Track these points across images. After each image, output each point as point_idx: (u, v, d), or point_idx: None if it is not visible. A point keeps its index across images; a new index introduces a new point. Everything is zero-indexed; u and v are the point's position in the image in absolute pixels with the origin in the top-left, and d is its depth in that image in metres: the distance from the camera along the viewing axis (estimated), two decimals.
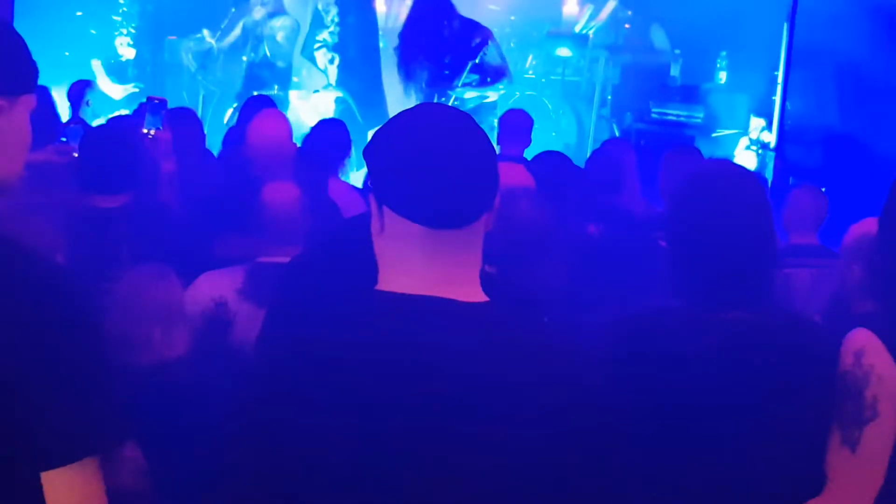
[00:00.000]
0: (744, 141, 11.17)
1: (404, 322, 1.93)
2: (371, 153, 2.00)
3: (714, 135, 11.44)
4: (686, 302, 2.79)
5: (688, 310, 2.77)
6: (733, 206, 2.75)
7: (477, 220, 1.96)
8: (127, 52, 11.46)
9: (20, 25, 2.21)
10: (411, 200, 1.93)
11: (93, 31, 11.83)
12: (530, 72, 12.70)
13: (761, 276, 2.76)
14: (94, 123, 7.93)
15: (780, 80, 8.83)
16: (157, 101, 5.54)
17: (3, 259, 1.94)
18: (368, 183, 2.07)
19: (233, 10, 10.89)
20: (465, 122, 2.00)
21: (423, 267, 1.96)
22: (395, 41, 9.82)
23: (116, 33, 11.53)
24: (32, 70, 2.11)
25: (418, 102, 9.34)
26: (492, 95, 9.46)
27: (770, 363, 2.68)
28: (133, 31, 11.48)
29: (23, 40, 2.10)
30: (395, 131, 1.99)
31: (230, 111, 10.29)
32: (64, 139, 6.03)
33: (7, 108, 2.04)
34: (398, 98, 10.30)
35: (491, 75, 9.37)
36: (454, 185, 1.92)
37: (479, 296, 2.00)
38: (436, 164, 1.92)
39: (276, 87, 10.78)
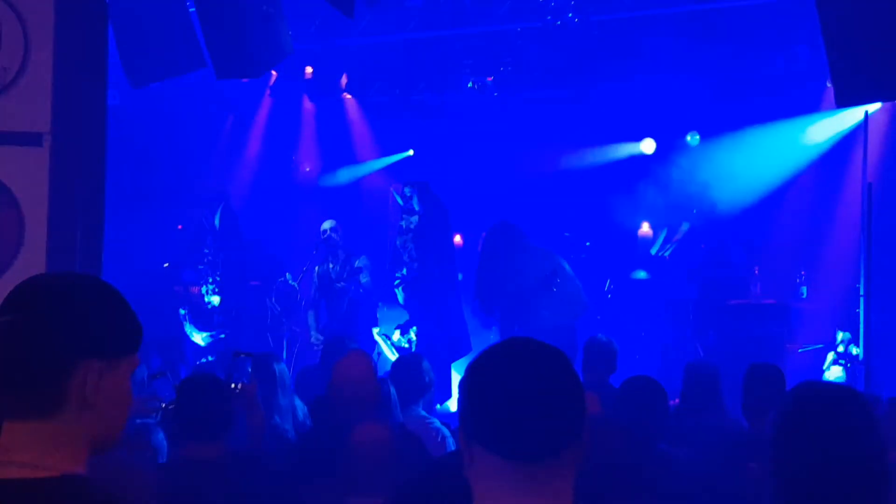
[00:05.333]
0: (830, 355, 11.01)
1: None
2: (460, 390, 2.05)
3: (800, 350, 11.31)
4: None
5: None
6: (842, 433, 2.68)
7: (560, 453, 1.98)
8: (213, 300, 11.72)
9: (108, 279, 2.27)
10: (495, 435, 1.96)
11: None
12: (609, 295, 12.76)
13: None
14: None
15: (861, 291, 8.79)
16: (243, 356, 5.68)
17: None
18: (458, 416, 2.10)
19: (314, 252, 11.14)
20: (549, 355, 2.03)
21: (514, 500, 1.97)
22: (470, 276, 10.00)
23: (202, 282, 11.82)
24: (136, 331, 2.17)
25: (498, 334, 9.47)
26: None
27: None
28: (218, 278, 11.77)
29: (125, 301, 2.16)
30: (481, 368, 2.03)
31: None
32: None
33: (111, 370, 2.10)
34: (478, 329, 10.38)
35: (566, 302, 9.43)
36: (536, 420, 1.95)
37: None
38: (518, 399, 1.95)
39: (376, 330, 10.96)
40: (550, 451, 1.96)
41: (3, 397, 2.06)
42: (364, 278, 11.20)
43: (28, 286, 2.12)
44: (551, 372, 2.00)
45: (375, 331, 11.09)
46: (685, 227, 12.41)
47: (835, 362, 10.80)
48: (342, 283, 11.05)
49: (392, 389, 6.17)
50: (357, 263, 11.19)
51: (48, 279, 2.15)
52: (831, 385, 3.69)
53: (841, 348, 10.80)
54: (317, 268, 11.21)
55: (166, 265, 12.30)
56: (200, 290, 11.77)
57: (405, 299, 11.02)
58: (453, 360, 10.37)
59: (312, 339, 11.07)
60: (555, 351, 2.05)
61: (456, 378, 10.12)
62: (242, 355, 5.68)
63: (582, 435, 2.01)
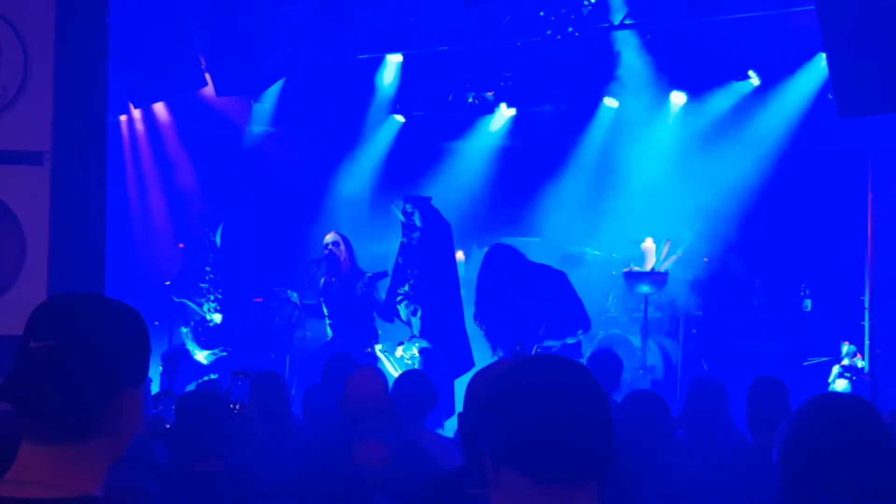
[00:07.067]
0: (835, 368, 10.97)
1: None
2: (486, 408, 2.01)
3: (805, 363, 11.27)
4: None
5: None
6: (853, 443, 2.66)
7: (591, 475, 1.96)
8: (215, 318, 11.70)
9: (111, 295, 2.28)
10: (527, 455, 1.94)
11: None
12: (612, 310, 12.72)
13: None
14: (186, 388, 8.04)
15: (866, 304, 8.77)
16: (242, 376, 5.68)
17: None
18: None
19: (315, 269, 11.12)
20: (578, 374, 2.00)
21: None
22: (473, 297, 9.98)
23: (203, 300, 11.80)
24: (150, 354, 2.18)
25: (502, 354, 9.44)
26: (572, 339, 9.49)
27: None
28: (220, 296, 11.75)
29: (147, 329, 2.17)
30: (510, 386, 2.00)
31: None
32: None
33: (138, 395, 2.12)
34: (481, 345, 10.34)
35: (569, 322, 9.41)
36: (570, 440, 1.93)
37: None
38: (551, 418, 1.93)
39: (370, 348, 10.91)
40: (583, 470, 1.95)
41: (39, 421, 2.04)
42: (360, 289, 11.16)
43: (60, 309, 2.12)
44: (582, 391, 1.98)
45: (378, 347, 11.05)
46: (687, 240, 12.37)
47: (840, 375, 10.75)
48: (363, 288, 11.02)
49: (398, 406, 6.15)
50: (360, 284, 11.18)
51: (81, 302, 2.15)
52: (844, 396, 3.66)
53: (846, 361, 10.75)
54: (322, 279, 11.20)
55: (167, 283, 12.29)
56: (202, 308, 11.75)
57: (407, 315, 10.98)
58: (456, 377, 10.32)
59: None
60: (582, 369, 2.03)
61: (459, 394, 10.09)
62: (241, 376, 5.68)
63: (612, 455, 1.99)
